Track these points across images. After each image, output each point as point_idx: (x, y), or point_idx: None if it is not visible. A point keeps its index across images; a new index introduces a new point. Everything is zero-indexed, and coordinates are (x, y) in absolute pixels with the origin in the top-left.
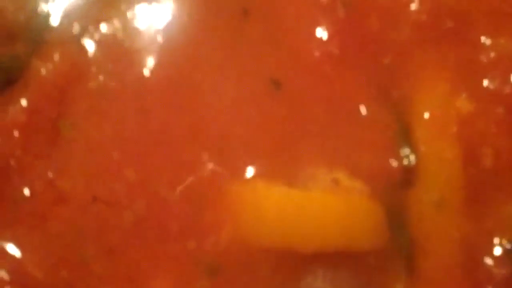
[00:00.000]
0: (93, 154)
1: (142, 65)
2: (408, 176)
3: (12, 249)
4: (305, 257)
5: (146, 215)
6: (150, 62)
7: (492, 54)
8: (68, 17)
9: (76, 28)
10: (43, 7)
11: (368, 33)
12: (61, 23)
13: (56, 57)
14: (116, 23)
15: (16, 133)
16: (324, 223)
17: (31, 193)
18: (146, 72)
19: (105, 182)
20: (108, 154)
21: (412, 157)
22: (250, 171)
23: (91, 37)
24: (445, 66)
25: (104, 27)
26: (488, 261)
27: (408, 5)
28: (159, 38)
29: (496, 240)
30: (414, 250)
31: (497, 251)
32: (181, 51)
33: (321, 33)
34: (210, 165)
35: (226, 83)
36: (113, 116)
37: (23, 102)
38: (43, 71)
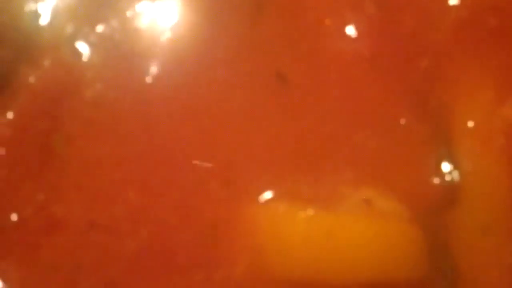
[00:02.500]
0: (90, 174)
1: (144, 71)
2: (450, 195)
3: None
4: None
5: (150, 243)
6: (153, 67)
7: None
8: (59, 17)
9: (69, 29)
10: (31, 6)
11: (402, 32)
12: (51, 24)
13: (47, 63)
14: (114, 23)
15: (2, 150)
16: (356, 251)
17: (20, 219)
18: (149, 79)
19: (104, 206)
20: (107, 174)
21: (455, 174)
22: (268, 192)
23: (86, 40)
24: (489, 69)
25: (100, 28)
26: None
27: (447, 1)
28: (163, 41)
29: None
30: (458, 279)
31: None
32: (187, 54)
33: (349, 31)
34: (222, 186)
35: (237, 89)
36: (111, 130)
37: (10, 115)
38: (31, 79)
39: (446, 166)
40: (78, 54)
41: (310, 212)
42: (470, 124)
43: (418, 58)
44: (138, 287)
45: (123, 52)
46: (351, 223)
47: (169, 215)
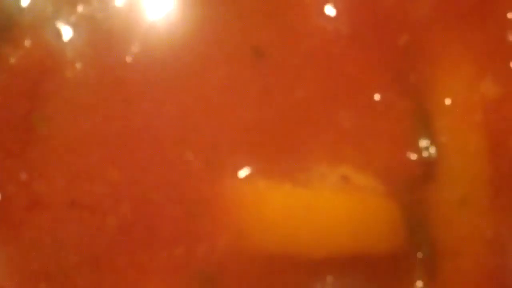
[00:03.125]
0: (71, 153)
1: (124, 50)
2: (427, 170)
3: None
4: (313, 263)
5: (132, 219)
6: (133, 47)
7: None
8: None
9: (49, 9)
10: None
11: (382, 9)
12: (32, 4)
13: (27, 43)
14: (95, 3)
15: None
16: (334, 225)
17: (2, 197)
18: (129, 58)
19: (86, 183)
20: (88, 152)
21: (433, 149)
22: (247, 169)
23: (66, 20)
24: (468, 46)
25: (81, 8)
26: None
27: None
28: (143, 20)
29: None
30: (435, 252)
31: None
32: (167, 33)
33: (328, 9)
34: (203, 162)
35: (217, 66)
36: (92, 109)
37: None
38: (12, 59)
39: (423, 142)
40: (58, 34)
41: (289, 188)
42: (448, 100)
43: (398, 35)
44: (121, 263)
45: (103, 31)
46: (329, 199)
47: (150, 192)
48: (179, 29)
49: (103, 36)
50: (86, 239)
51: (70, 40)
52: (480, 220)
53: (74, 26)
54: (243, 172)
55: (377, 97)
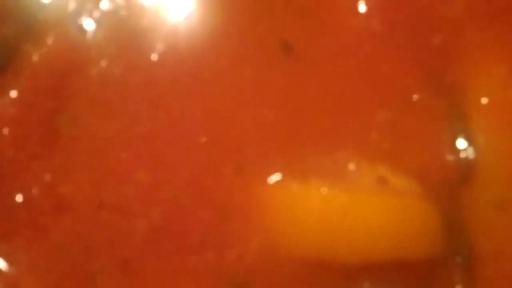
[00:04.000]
0: (98, 154)
1: (150, 48)
2: (465, 172)
3: (6, 266)
4: (349, 268)
5: (161, 223)
6: (158, 44)
7: None
8: None
9: (72, 5)
10: None
11: (415, 7)
12: (54, 1)
13: (50, 40)
14: None
15: (6, 130)
16: (371, 230)
17: (26, 199)
18: (155, 56)
19: (113, 185)
20: (115, 152)
21: (470, 151)
22: (280, 171)
23: (90, 16)
24: (503, 45)
25: (104, 4)
26: None
27: None
28: (168, 16)
29: None
30: (473, 256)
31: None
32: (193, 30)
33: (361, 6)
34: (234, 164)
35: (245, 64)
36: (118, 108)
37: (13, 94)
38: (35, 56)
39: (461, 143)
40: (82, 31)
41: (325, 191)
42: (485, 100)
43: (431, 34)
44: (151, 267)
45: (128, 28)
46: (366, 202)
47: (180, 194)
48: (206, 26)
49: (128, 34)
50: (115, 243)
51: (94, 37)
52: None
53: (98, 23)
54: (276, 175)
55: (412, 96)
